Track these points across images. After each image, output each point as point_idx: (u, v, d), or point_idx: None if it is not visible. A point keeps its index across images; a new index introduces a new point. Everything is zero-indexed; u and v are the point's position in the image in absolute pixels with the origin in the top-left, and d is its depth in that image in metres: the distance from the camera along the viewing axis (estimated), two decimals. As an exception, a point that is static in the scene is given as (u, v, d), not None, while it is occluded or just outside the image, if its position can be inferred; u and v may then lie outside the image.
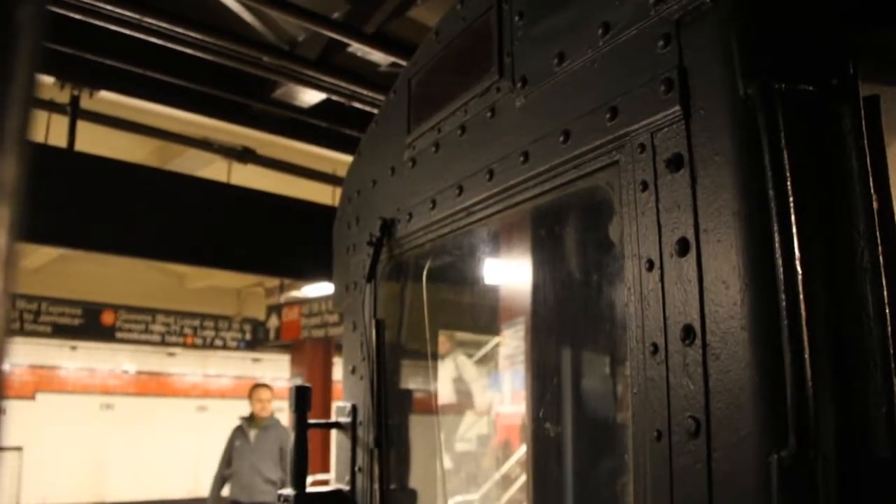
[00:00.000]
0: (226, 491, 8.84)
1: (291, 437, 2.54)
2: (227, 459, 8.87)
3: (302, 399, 2.52)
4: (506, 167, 1.93)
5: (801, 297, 1.16)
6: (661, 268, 1.40)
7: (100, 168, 6.88)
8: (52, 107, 6.74)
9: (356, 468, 2.60)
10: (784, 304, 1.16)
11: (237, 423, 9.08)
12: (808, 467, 1.13)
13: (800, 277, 1.17)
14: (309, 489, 2.56)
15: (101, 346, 16.60)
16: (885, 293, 1.21)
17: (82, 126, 6.78)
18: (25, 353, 16.11)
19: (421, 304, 2.66)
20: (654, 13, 1.48)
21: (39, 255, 13.46)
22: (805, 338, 1.15)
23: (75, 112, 6.69)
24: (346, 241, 2.90)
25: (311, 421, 2.56)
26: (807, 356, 1.14)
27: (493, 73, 2.05)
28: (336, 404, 2.77)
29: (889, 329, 1.19)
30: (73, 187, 6.44)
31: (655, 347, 1.39)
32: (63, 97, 6.63)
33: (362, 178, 2.83)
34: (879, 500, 1.16)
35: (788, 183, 1.21)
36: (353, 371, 2.71)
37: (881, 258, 1.22)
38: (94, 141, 6.89)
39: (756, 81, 1.26)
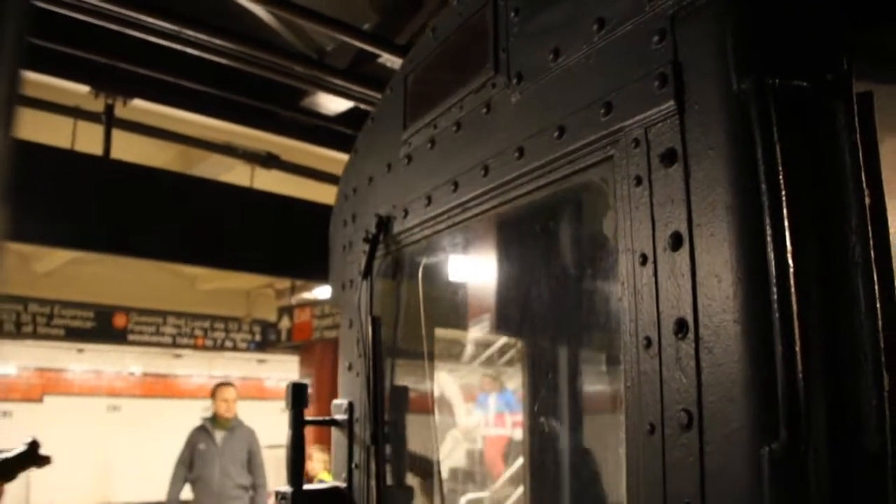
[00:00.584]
0: (186, 493, 8.35)
1: (289, 433, 2.54)
2: (189, 462, 8.33)
3: (298, 396, 2.52)
4: (501, 163, 1.93)
5: (793, 291, 1.17)
6: (655, 262, 1.41)
7: (134, 174, 7.05)
8: (86, 115, 6.93)
9: (353, 465, 2.60)
10: (776, 297, 1.17)
11: (198, 423, 8.69)
12: (799, 460, 1.14)
13: (792, 271, 1.17)
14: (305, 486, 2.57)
15: (108, 349, 16.57)
16: (877, 288, 1.21)
17: (116, 134, 6.94)
18: (32, 357, 16.09)
19: (417, 300, 2.66)
20: (649, 9, 1.49)
21: (52, 259, 13.51)
22: (797, 331, 1.15)
23: (110, 120, 6.87)
24: (342, 238, 2.90)
25: (308, 418, 2.56)
26: (798, 350, 1.15)
27: (488, 69, 2.05)
28: (333, 402, 2.78)
29: (880, 323, 1.20)
30: (110, 194, 6.66)
31: (649, 341, 1.40)
32: (98, 106, 6.81)
33: (358, 176, 2.84)
34: (869, 492, 1.17)
35: (781, 178, 1.21)
36: (350, 368, 2.72)
37: (873, 253, 1.23)
38: (118, 147, 6.99)
39: (750, 76, 1.26)
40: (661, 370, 1.37)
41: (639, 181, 1.47)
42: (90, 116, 6.94)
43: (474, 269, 2.81)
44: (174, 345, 16.82)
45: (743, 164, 1.26)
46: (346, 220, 2.89)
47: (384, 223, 2.54)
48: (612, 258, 1.60)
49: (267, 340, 17.14)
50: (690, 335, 1.31)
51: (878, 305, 1.21)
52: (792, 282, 1.17)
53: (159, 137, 7.71)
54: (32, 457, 3.40)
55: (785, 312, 1.16)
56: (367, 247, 2.56)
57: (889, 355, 1.19)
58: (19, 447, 3.42)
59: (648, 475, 1.37)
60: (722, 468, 1.23)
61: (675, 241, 1.36)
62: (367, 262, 2.56)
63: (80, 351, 17.07)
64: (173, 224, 6.96)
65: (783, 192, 1.21)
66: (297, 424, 2.52)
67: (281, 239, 7.38)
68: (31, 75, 6.07)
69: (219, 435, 8.48)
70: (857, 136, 1.27)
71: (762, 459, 1.16)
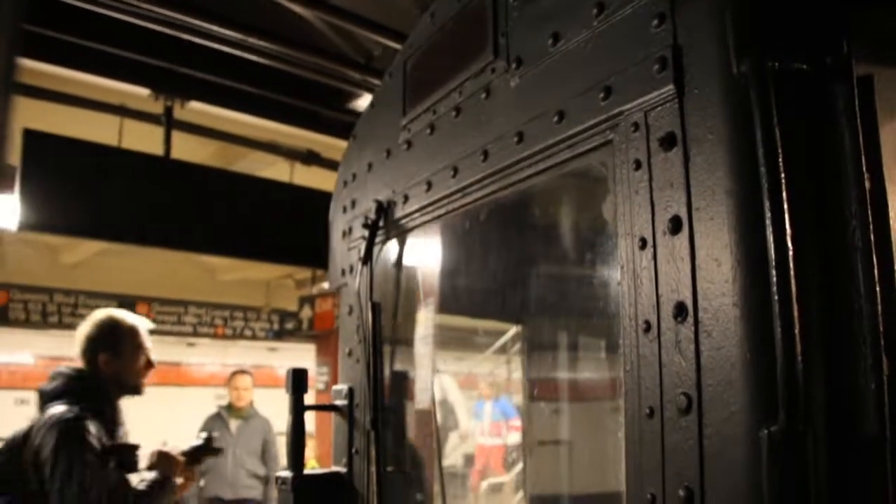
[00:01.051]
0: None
1: (289, 419, 2.55)
2: None
3: (298, 381, 2.53)
4: (500, 148, 1.93)
5: (793, 274, 1.17)
6: (654, 246, 1.41)
7: (191, 172, 7.45)
8: (147, 117, 7.32)
9: (353, 450, 2.61)
10: (775, 281, 1.17)
11: (213, 410, 8.58)
12: (797, 443, 1.14)
13: (791, 255, 1.17)
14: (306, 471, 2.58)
15: None
16: (876, 271, 1.21)
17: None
18: (48, 346, 16.12)
19: (417, 286, 2.66)
20: None
21: (80, 251, 13.71)
22: (796, 315, 1.15)
23: (170, 122, 7.26)
24: (341, 224, 2.90)
25: (309, 404, 2.57)
26: (797, 333, 1.15)
27: (487, 53, 2.05)
28: (333, 387, 2.78)
29: (879, 307, 1.20)
30: (170, 192, 7.02)
31: (648, 325, 1.40)
32: (157, 108, 7.23)
33: (358, 162, 2.84)
34: (867, 476, 1.17)
35: (781, 161, 1.21)
36: (350, 354, 2.72)
37: (872, 237, 1.23)
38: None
39: (749, 60, 1.26)
40: (661, 354, 1.37)
41: (638, 165, 1.46)
42: (149, 118, 7.34)
43: (477, 253, 2.80)
44: (195, 333, 17.07)
45: (742, 147, 1.26)
46: (345, 207, 2.89)
47: (384, 209, 2.54)
48: (611, 242, 1.60)
49: (284, 329, 17.27)
50: (690, 319, 1.31)
51: (877, 289, 1.21)
52: (791, 265, 1.17)
53: (212, 137, 8.13)
54: (209, 447, 4.31)
55: (784, 296, 1.16)
56: (366, 232, 2.56)
57: (888, 339, 1.20)
58: (198, 440, 4.27)
59: (647, 458, 1.38)
60: (721, 451, 1.23)
61: (675, 225, 1.36)
62: (367, 248, 2.56)
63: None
64: (223, 219, 7.28)
65: (783, 176, 1.20)
66: (298, 410, 2.53)
67: (319, 232, 7.54)
68: (90, 78, 6.67)
69: (234, 423, 8.39)
70: (858, 119, 1.27)
71: (761, 442, 1.16)
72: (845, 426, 1.18)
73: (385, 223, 2.55)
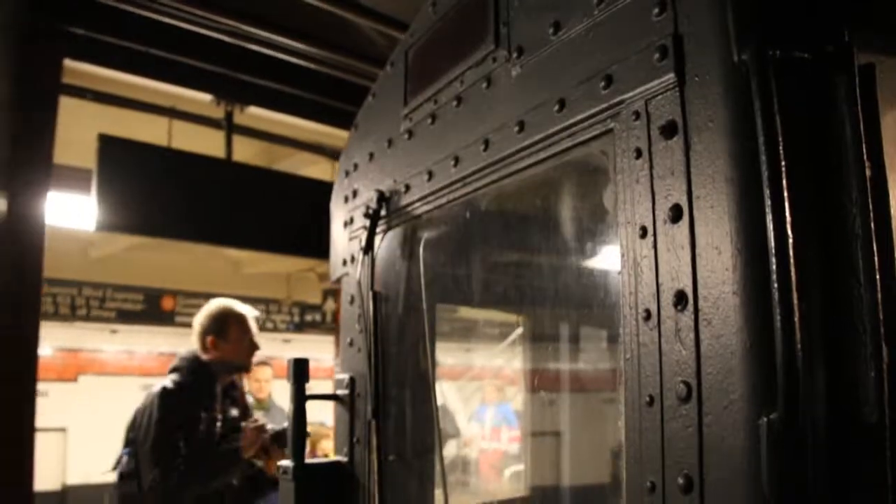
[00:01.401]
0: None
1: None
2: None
3: (299, 371, 2.54)
4: (501, 137, 1.93)
5: (793, 262, 1.17)
6: (655, 234, 1.41)
7: (248, 173, 8.02)
8: (209, 122, 7.82)
9: (354, 440, 2.62)
10: (775, 269, 1.17)
11: None
12: (797, 430, 1.15)
13: (791, 243, 1.17)
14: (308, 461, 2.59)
15: (141, 329, 16.72)
16: (876, 259, 1.22)
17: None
18: (67, 338, 16.18)
19: (418, 275, 2.67)
20: None
21: (109, 246, 13.85)
22: (795, 303, 1.16)
23: (230, 126, 7.72)
24: (343, 214, 2.90)
25: (310, 393, 2.58)
26: (797, 320, 1.15)
27: (488, 43, 2.04)
28: (335, 377, 2.79)
29: (879, 295, 1.20)
30: (230, 192, 7.42)
31: (648, 313, 1.40)
32: (218, 113, 7.72)
33: (359, 152, 2.84)
34: (866, 463, 1.18)
35: (781, 150, 1.21)
36: (351, 344, 2.73)
37: (872, 225, 1.23)
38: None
39: (750, 48, 1.26)
40: (661, 342, 1.37)
41: (639, 154, 1.46)
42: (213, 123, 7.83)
43: (477, 243, 2.80)
44: None
45: (743, 136, 1.26)
46: (346, 197, 2.89)
47: (385, 198, 2.54)
48: (611, 232, 1.60)
49: (305, 322, 17.42)
50: (690, 307, 1.31)
51: (877, 277, 1.21)
52: (791, 253, 1.17)
53: (266, 140, 8.62)
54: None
55: (784, 284, 1.16)
56: (367, 222, 2.56)
57: (888, 327, 1.20)
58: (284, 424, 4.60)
59: (647, 446, 1.38)
60: (720, 439, 1.24)
61: (675, 214, 1.36)
62: (368, 238, 2.56)
63: (114, 332, 17.20)
64: (275, 217, 7.66)
65: (783, 164, 1.20)
66: (299, 399, 2.54)
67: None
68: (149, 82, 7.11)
69: (256, 415, 8.51)
70: (859, 108, 1.27)
71: (760, 430, 1.16)
72: (845, 414, 1.18)
73: (386, 213, 2.55)
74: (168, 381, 4.62)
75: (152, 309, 16.13)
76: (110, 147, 6.68)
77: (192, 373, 4.70)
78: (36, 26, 5.79)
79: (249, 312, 4.96)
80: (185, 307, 16.27)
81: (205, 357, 4.79)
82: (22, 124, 5.69)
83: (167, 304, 16.27)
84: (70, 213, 7.57)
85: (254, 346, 4.91)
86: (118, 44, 6.41)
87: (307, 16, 6.11)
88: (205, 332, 4.84)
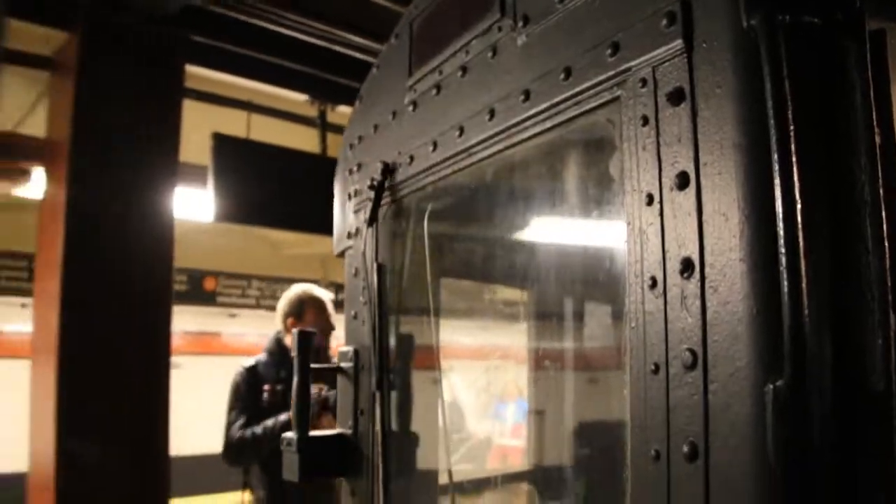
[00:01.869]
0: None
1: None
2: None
3: (304, 343, 2.54)
4: (507, 106, 1.92)
5: (800, 228, 1.16)
6: (661, 202, 1.40)
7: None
8: (305, 121, 8.41)
9: (358, 412, 2.63)
10: (783, 236, 1.16)
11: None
12: (803, 397, 1.14)
13: (799, 209, 1.16)
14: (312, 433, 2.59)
15: (183, 310, 16.95)
16: (885, 227, 1.21)
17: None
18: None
19: (422, 247, 2.66)
20: None
21: None
22: (803, 269, 1.15)
23: (324, 124, 8.32)
24: (347, 187, 2.89)
25: (314, 365, 2.58)
26: (804, 287, 1.14)
27: (494, 11, 2.02)
28: (339, 349, 2.79)
29: (887, 262, 1.19)
30: (323, 185, 7.50)
31: (654, 281, 1.39)
32: (312, 111, 8.36)
33: (363, 124, 2.82)
34: (872, 431, 1.17)
35: (790, 115, 1.20)
36: (355, 316, 2.73)
37: (881, 192, 1.22)
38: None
39: (759, 13, 1.24)
40: (666, 310, 1.36)
41: (645, 121, 1.45)
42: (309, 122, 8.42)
43: (482, 214, 2.79)
44: (258, 305, 17.55)
45: (751, 102, 1.24)
46: (351, 170, 2.88)
47: (390, 170, 2.53)
48: (617, 200, 1.59)
49: (339, 301, 17.49)
50: (696, 274, 1.31)
51: (886, 245, 1.20)
52: (799, 220, 1.16)
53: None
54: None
55: (792, 251, 1.16)
56: (372, 194, 2.55)
57: (896, 295, 1.19)
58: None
59: (652, 415, 1.38)
60: (726, 406, 1.23)
61: (682, 181, 1.35)
62: (373, 210, 2.56)
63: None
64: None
65: (792, 130, 1.19)
66: (303, 371, 2.54)
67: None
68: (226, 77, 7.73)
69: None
70: (869, 74, 1.25)
71: (766, 397, 1.16)
72: (851, 381, 1.18)
73: (391, 185, 2.54)
74: (253, 358, 5.52)
75: (196, 289, 16.44)
76: (222, 144, 7.37)
77: (271, 352, 5.51)
78: (160, 37, 6.49)
79: (326, 296, 5.58)
80: (225, 287, 16.82)
81: (286, 337, 5.42)
82: (151, 125, 6.40)
83: (209, 284, 16.64)
84: (189, 206, 8.01)
85: (330, 327, 5.45)
86: (231, 49, 7.16)
87: (395, 21, 6.33)
88: (285, 315, 5.51)
